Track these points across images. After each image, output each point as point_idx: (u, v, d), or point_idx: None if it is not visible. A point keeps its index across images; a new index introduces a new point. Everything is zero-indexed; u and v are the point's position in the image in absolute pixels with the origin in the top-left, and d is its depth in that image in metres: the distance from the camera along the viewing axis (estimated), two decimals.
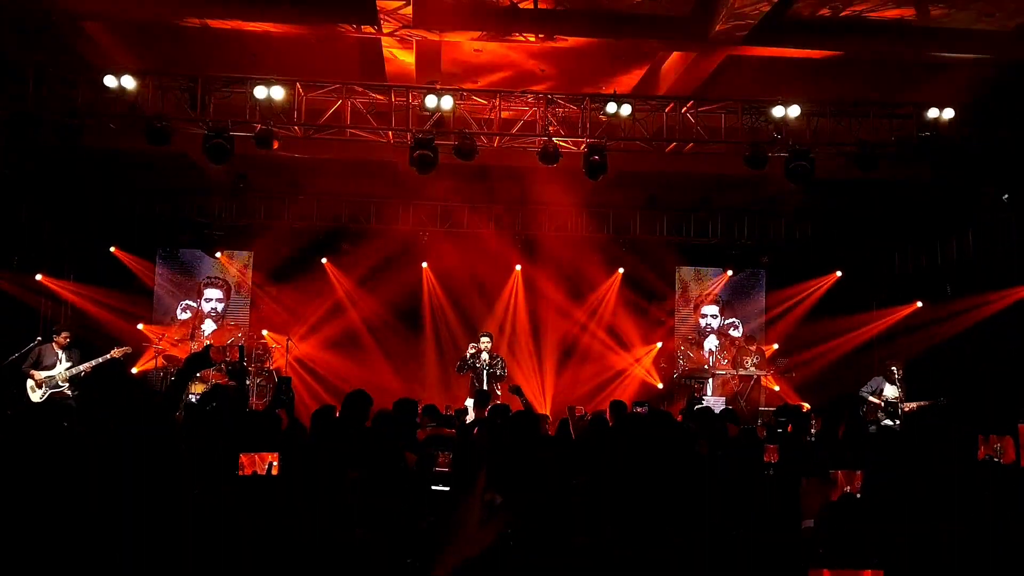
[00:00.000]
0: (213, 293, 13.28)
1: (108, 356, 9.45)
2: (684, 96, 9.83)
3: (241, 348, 4.60)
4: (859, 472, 3.95)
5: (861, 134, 9.52)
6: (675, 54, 9.81)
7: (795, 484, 3.91)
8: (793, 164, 9.46)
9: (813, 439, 7.00)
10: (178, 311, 13.10)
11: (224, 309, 13.29)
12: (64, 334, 9.49)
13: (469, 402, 9.26)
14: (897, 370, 9.98)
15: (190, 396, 10.73)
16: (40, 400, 9.09)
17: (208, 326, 13.13)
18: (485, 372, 10.42)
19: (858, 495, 3.87)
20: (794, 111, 9.32)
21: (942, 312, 11.31)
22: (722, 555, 2.21)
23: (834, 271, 13.21)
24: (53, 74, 8.98)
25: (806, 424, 7.52)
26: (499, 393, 10.22)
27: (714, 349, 13.75)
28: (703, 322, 13.90)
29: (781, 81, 9.81)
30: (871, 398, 10.07)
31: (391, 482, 4.35)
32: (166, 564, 2.93)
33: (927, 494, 3.15)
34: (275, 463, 4.12)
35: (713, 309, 13.88)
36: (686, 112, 9.64)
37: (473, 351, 10.47)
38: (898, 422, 9.69)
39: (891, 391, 9.97)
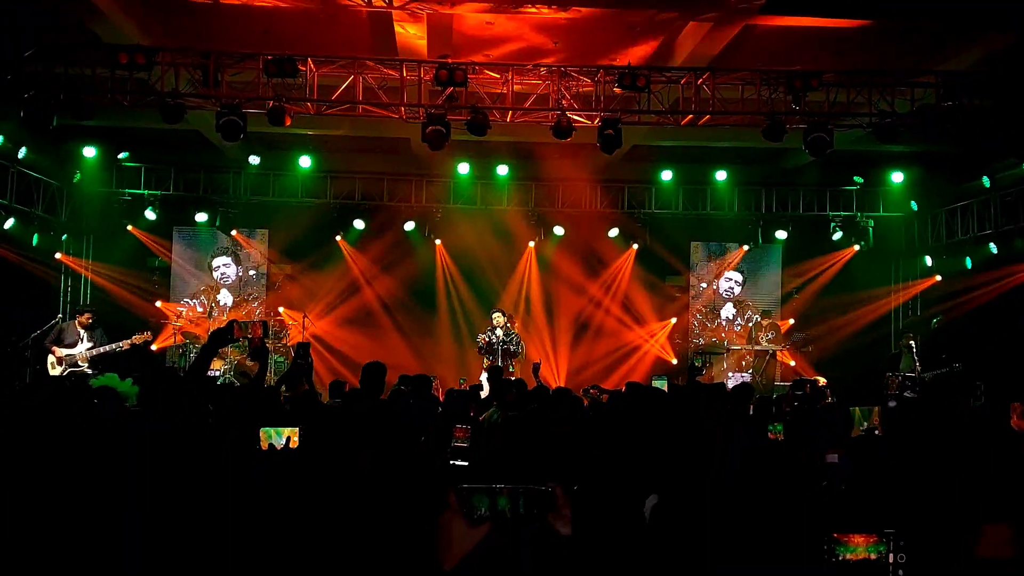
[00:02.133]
0: (220, 260, 13.32)
1: (130, 341, 9.56)
2: (700, 67, 9.66)
3: (264, 324, 4.53)
4: (876, 407, 3.95)
5: (881, 104, 9.33)
6: (691, 24, 9.59)
7: (799, 453, 3.92)
8: (812, 136, 9.31)
9: None
10: (196, 300, 13.10)
11: (236, 274, 13.31)
12: (87, 315, 9.63)
13: (484, 376, 9.34)
14: (912, 342, 9.91)
15: (211, 372, 10.90)
16: (60, 376, 9.24)
17: (224, 296, 13.20)
18: (500, 348, 10.47)
19: (877, 432, 3.88)
20: (813, 81, 9.12)
21: (959, 286, 11.17)
22: (730, 537, 2.20)
23: (851, 245, 13.05)
24: (66, 52, 8.97)
25: (820, 399, 7.48)
26: (512, 369, 10.26)
27: (731, 318, 13.67)
28: (725, 285, 13.76)
29: (800, 51, 9.60)
30: (888, 373, 10.03)
31: (404, 464, 4.36)
32: (169, 556, 2.97)
33: (942, 467, 3.13)
34: (294, 438, 4.15)
35: (737, 276, 13.77)
36: (702, 84, 9.48)
37: (489, 332, 10.55)
38: (914, 395, 9.66)
39: (906, 363, 9.93)
